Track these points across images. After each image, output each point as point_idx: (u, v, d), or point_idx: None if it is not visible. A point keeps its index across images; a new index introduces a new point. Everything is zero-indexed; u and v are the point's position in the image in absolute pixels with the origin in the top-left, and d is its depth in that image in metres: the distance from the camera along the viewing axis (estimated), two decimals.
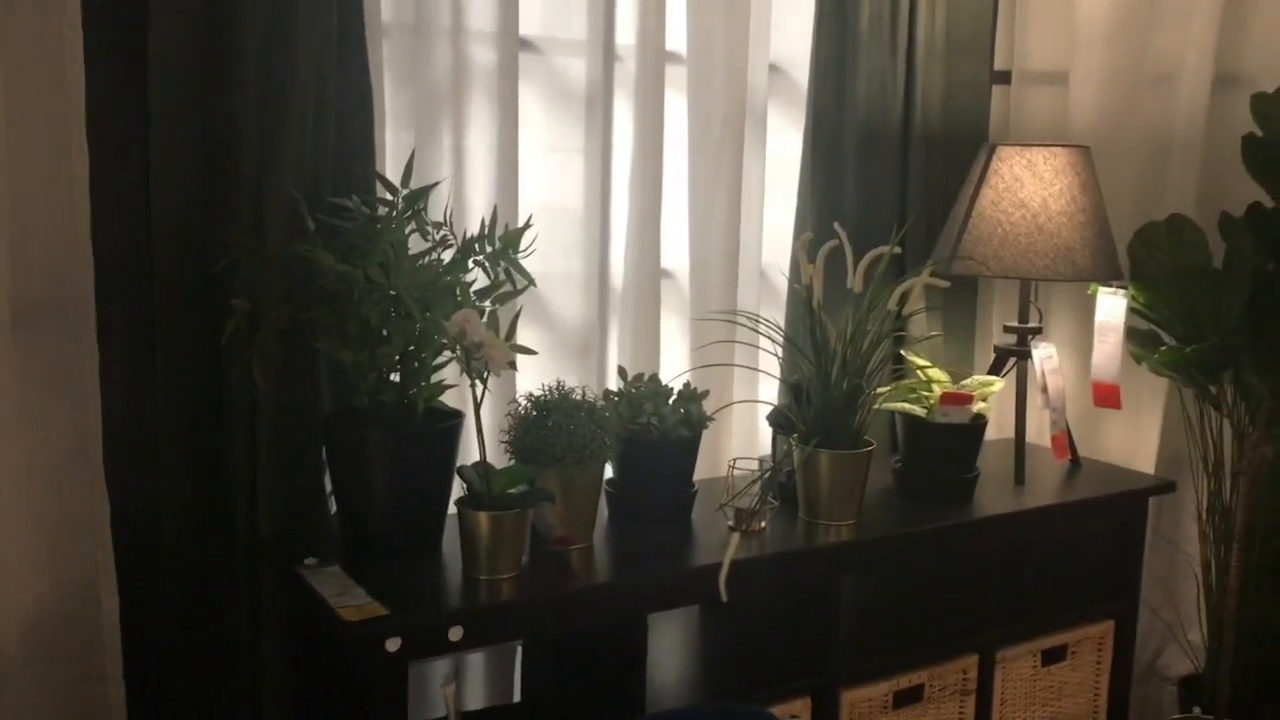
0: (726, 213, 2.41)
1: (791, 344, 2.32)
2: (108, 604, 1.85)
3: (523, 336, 2.04)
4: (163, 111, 1.81)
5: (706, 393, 2.16)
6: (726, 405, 2.38)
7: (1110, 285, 2.52)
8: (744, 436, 2.52)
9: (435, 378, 1.91)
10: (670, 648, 2.22)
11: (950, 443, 2.33)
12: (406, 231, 1.89)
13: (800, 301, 2.34)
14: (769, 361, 2.35)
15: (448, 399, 1.99)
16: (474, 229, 1.96)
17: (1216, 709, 2.66)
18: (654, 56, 2.27)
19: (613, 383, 2.27)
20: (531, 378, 2.15)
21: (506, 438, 1.94)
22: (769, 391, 2.48)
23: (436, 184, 2.00)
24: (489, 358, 1.74)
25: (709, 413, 2.14)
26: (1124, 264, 2.53)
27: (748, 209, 2.45)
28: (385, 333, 1.84)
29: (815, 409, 2.14)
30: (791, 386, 2.27)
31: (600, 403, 2.01)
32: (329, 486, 2.00)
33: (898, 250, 2.20)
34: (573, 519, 1.93)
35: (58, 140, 1.74)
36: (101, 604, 1.84)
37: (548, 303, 2.29)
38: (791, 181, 2.53)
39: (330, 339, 1.86)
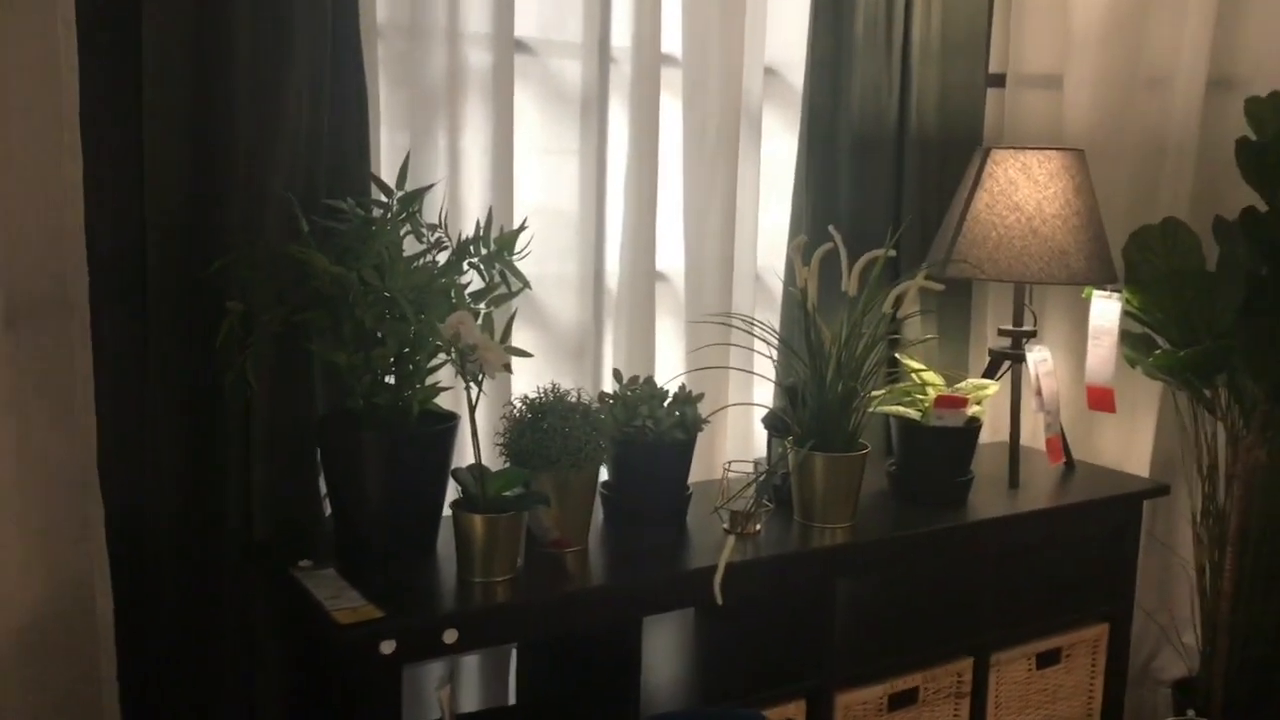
0: (721, 215, 2.41)
1: (786, 347, 2.32)
2: (102, 605, 1.85)
3: (518, 339, 2.04)
4: (157, 112, 1.80)
5: (701, 395, 2.16)
6: (721, 408, 2.38)
7: (1105, 289, 2.52)
8: (739, 439, 2.52)
9: (430, 380, 1.91)
10: (665, 651, 2.22)
11: (945, 446, 2.33)
12: (401, 233, 1.88)
13: (795, 304, 2.34)
14: (764, 364, 2.35)
15: (442, 401, 1.98)
16: (469, 231, 1.96)
17: (1211, 712, 2.66)
18: (649, 59, 2.27)
19: (608, 385, 2.27)
20: (526, 380, 2.15)
21: (501, 440, 1.94)
22: (764, 394, 2.48)
23: (431, 186, 2.00)
24: (484, 360, 1.74)
25: (704, 415, 2.13)
26: (1118, 267, 2.53)
27: (743, 212, 2.45)
28: (380, 335, 1.84)
29: (810, 412, 2.14)
30: (786, 389, 2.27)
31: (595, 405, 2.01)
32: (324, 489, 1.99)
33: (892, 253, 2.20)
34: (568, 522, 1.93)
35: (51, 141, 1.73)
36: (96, 605, 1.84)
37: (543, 305, 2.29)
38: (786, 184, 2.53)
39: (325, 341, 1.86)
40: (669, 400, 2.11)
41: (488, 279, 1.94)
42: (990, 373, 2.53)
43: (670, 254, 2.41)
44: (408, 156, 1.95)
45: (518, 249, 1.94)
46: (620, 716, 1.92)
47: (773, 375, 2.39)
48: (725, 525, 2.08)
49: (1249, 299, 2.46)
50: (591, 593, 1.86)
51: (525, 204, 2.20)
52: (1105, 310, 2.53)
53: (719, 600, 1.89)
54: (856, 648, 2.21)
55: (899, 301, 2.20)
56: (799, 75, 2.50)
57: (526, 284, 1.97)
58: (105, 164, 1.80)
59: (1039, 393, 2.48)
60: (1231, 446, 2.62)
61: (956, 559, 2.35)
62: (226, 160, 1.85)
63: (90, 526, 1.83)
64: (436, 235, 1.93)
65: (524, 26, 2.19)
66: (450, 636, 1.70)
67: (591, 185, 2.28)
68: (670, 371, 2.36)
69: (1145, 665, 2.95)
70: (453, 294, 1.88)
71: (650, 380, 2.16)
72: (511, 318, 1.99)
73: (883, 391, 2.34)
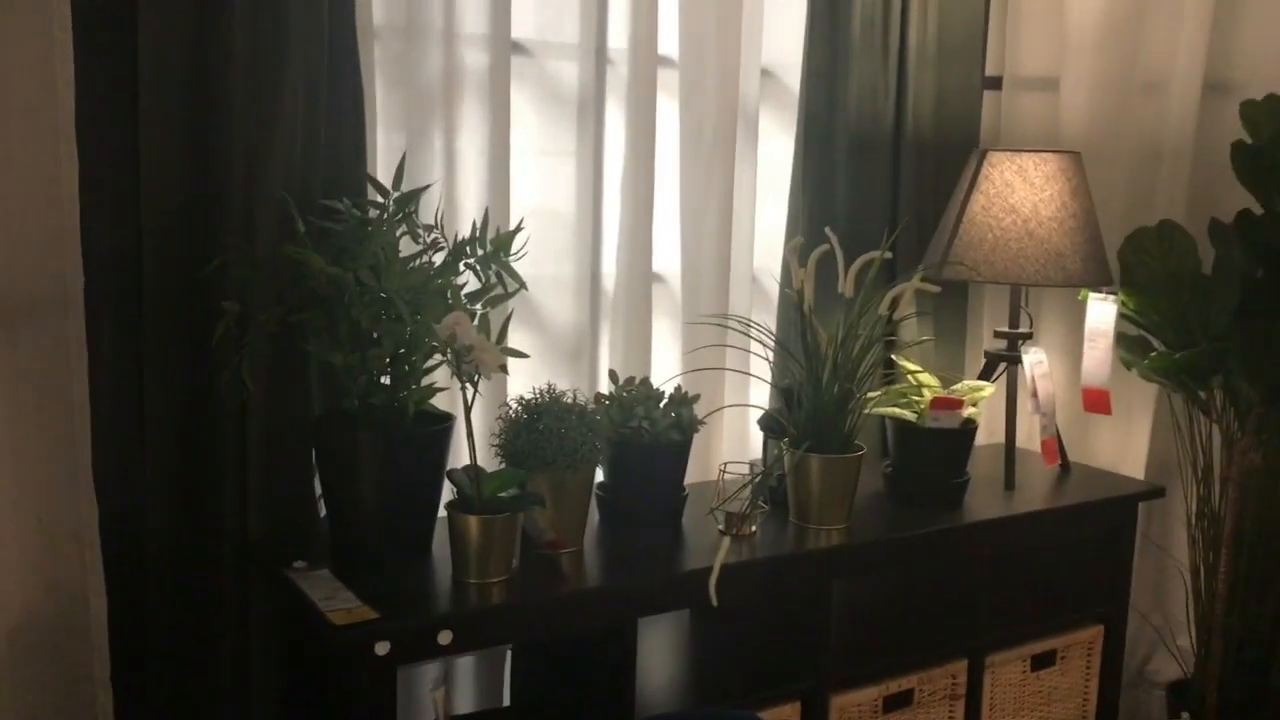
0: (718, 217, 2.41)
1: (782, 348, 2.32)
2: (96, 606, 1.84)
3: (514, 340, 2.04)
4: (153, 112, 1.80)
5: (697, 397, 2.16)
6: (718, 409, 2.38)
7: (1100, 291, 2.53)
8: (735, 440, 2.52)
9: (426, 381, 1.91)
10: (660, 652, 2.22)
11: (940, 447, 2.33)
12: (397, 234, 1.88)
13: (791, 306, 2.35)
14: (760, 366, 2.35)
15: (438, 402, 1.99)
16: (465, 232, 1.96)
17: (1205, 715, 2.67)
18: (646, 60, 2.27)
19: (604, 386, 2.27)
20: (522, 381, 2.15)
21: (497, 441, 1.94)
22: (760, 396, 2.48)
23: (428, 186, 2.00)
24: (480, 361, 1.74)
25: (700, 416, 2.14)
26: (1114, 270, 2.53)
27: (739, 213, 2.45)
28: (376, 335, 1.84)
29: (806, 413, 2.14)
30: (782, 391, 2.27)
31: (591, 406, 2.01)
32: (319, 489, 1.99)
33: (889, 255, 2.20)
34: (563, 523, 1.93)
35: (47, 142, 1.73)
36: (90, 606, 1.84)
37: (539, 306, 2.29)
38: (783, 186, 2.53)
39: (321, 341, 1.86)
40: (665, 401, 2.11)
41: (484, 280, 1.94)
42: (986, 374, 2.53)
43: (667, 255, 2.41)
44: (404, 157, 1.95)
45: (514, 250, 1.94)
46: (615, 718, 1.92)
47: (769, 377, 2.39)
48: (721, 527, 2.08)
49: (1244, 302, 2.47)
50: (587, 594, 1.86)
51: (521, 205, 2.20)
52: (1101, 312, 2.53)
53: (714, 602, 1.89)
54: (852, 649, 2.21)
55: (895, 303, 2.20)
56: (795, 77, 2.50)
57: (523, 285, 1.97)
58: (103, 165, 1.80)
59: (1035, 395, 2.48)
60: (1226, 449, 2.62)
61: (952, 561, 2.35)
62: (223, 162, 1.85)
63: (85, 526, 1.82)
64: (433, 236, 1.93)
65: (521, 28, 2.19)
66: (445, 638, 1.70)
67: (588, 186, 2.28)
68: (666, 373, 2.36)
69: (1140, 667, 2.95)
70: (449, 295, 1.88)
71: (646, 381, 2.16)
72: (508, 319, 1.99)
73: (879, 393, 2.34)
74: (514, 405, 1.95)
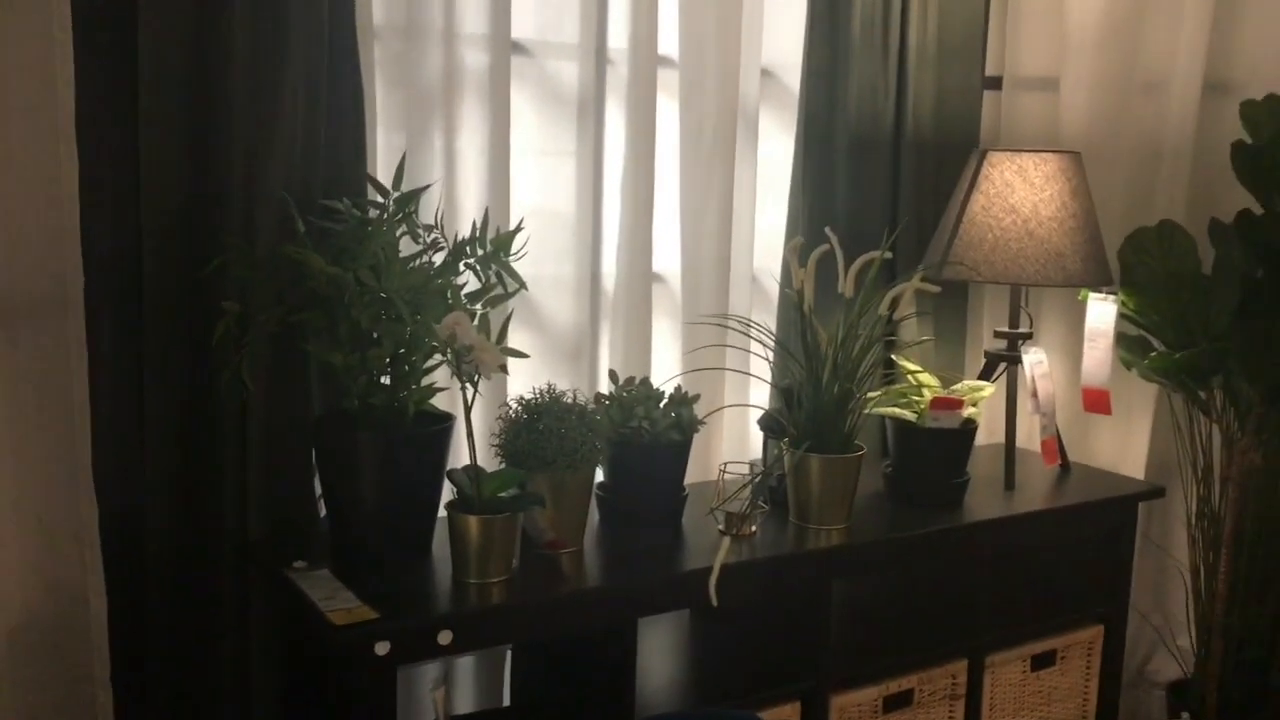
0: (718, 217, 2.41)
1: (782, 348, 2.32)
2: (96, 606, 1.84)
3: (514, 340, 2.04)
4: (153, 112, 1.80)
5: (698, 396, 2.16)
6: (718, 409, 2.38)
7: (1100, 291, 2.53)
8: (735, 440, 2.52)
9: (426, 381, 1.91)
10: (660, 652, 2.22)
11: (940, 447, 2.33)
12: (397, 234, 1.88)
13: (791, 306, 2.35)
14: (760, 366, 2.35)
15: (438, 402, 1.99)
16: (465, 232, 1.96)
17: (1205, 715, 2.67)
18: (646, 60, 2.27)
19: (604, 386, 2.27)
20: (522, 381, 2.15)
21: (497, 441, 1.94)
22: (760, 396, 2.48)
23: (428, 186, 2.00)
24: (480, 361, 1.74)
25: (700, 416, 2.14)
26: (1114, 270, 2.53)
27: (739, 213, 2.45)
28: (376, 335, 1.84)
29: (806, 413, 2.14)
30: (782, 391, 2.27)
31: (591, 406, 2.01)
32: (319, 489, 1.99)
33: (889, 255, 2.20)
34: (563, 523, 1.93)
35: (47, 141, 1.73)
36: (90, 606, 1.84)
37: (539, 306, 2.29)
38: (783, 186, 2.53)
39: (321, 341, 1.86)
40: (665, 401, 2.11)
41: (484, 280, 1.94)
42: (986, 374, 2.53)
43: (667, 255, 2.41)
44: (404, 157, 1.95)
45: (514, 250, 1.94)
46: (615, 718, 1.92)
47: (769, 377, 2.39)
48: (721, 527, 2.08)
49: (1244, 301, 2.47)
50: (587, 594, 1.86)
51: (522, 205, 2.20)
52: (1101, 312, 2.53)
53: (714, 602, 1.89)
54: (852, 649, 2.21)
55: (895, 303, 2.20)
56: (795, 77, 2.50)
57: (523, 285, 1.97)
58: (103, 164, 1.80)
59: (1035, 395, 2.48)
60: (1226, 449, 2.62)
61: (952, 561, 2.35)
62: (223, 162, 1.85)
63: (85, 526, 1.82)
64: (433, 236, 1.93)
65: (521, 28, 2.19)
66: (445, 638, 1.70)
67: (588, 186, 2.28)
68: (666, 373, 2.36)
69: (1140, 667, 2.95)
70: (449, 295, 1.88)
71: (646, 381, 2.16)
72: (508, 319, 1.99)
73: (879, 393, 2.34)
74: (514, 405, 1.95)
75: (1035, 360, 2.49)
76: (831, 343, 2.12)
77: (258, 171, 1.87)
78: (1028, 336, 2.53)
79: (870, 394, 2.24)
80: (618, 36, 2.28)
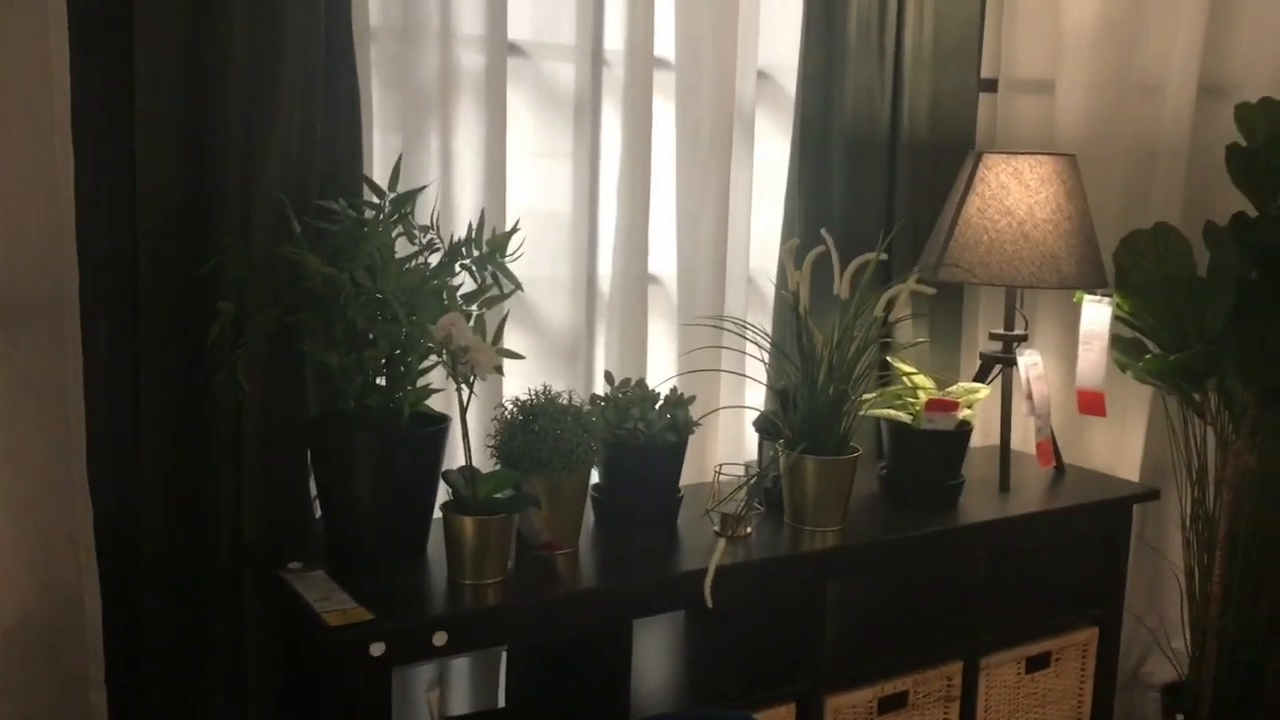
0: (714, 218, 2.42)
1: (778, 350, 2.32)
2: (91, 607, 1.84)
3: (509, 341, 2.04)
4: (149, 112, 1.80)
5: (693, 398, 2.16)
6: (713, 411, 2.38)
7: (1095, 293, 2.53)
8: (730, 442, 2.52)
9: (421, 382, 1.90)
10: (655, 653, 2.22)
11: (935, 449, 2.33)
12: (393, 235, 1.88)
13: (787, 307, 2.35)
14: (755, 367, 2.36)
15: (434, 403, 1.98)
16: (461, 233, 1.96)
17: (1199, 717, 2.67)
18: (642, 62, 2.27)
19: (599, 387, 2.27)
20: (518, 382, 2.15)
21: (492, 442, 1.94)
22: (755, 397, 2.48)
23: (424, 187, 1.99)
24: (475, 362, 1.74)
25: (695, 418, 2.14)
26: (1109, 272, 2.54)
27: (735, 215, 2.45)
28: (371, 336, 1.84)
29: (801, 415, 2.15)
30: (778, 392, 2.27)
31: (587, 407, 2.01)
32: (314, 490, 1.99)
33: (884, 257, 2.21)
34: (559, 524, 1.93)
35: (43, 142, 1.73)
36: (85, 607, 1.84)
37: (535, 307, 2.29)
38: (779, 187, 2.53)
39: (316, 342, 1.86)
40: (660, 403, 2.11)
41: (480, 281, 1.94)
42: (981, 376, 2.53)
43: (663, 257, 2.41)
44: (400, 158, 1.95)
45: (510, 251, 1.94)
46: (611, 719, 1.92)
47: (764, 378, 2.39)
48: (716, 528, 2.08)
49: (1239, 304, 2.47)
50: (582, 595, 1.86)
51: (518, 206, 2.20)
52: (1096, 315, 2.53)
53: (709, 603, 1.89)
54: (847, 651, 2.21)
55: (890, 305, 2.20)
56: (792, 79, 2.50)
57: (518, 286, 1.97)
58: (99, 164, 1.79)
59: (1030, 397, 2.49)
60: (1221, 451, 2.63)
61: (947, 563, 2.35)
62: (219, 162, 1.85)
63: (80, 527, 1.82)
64: (429, 237, 1.93)
65: (517, 29, 2.19)
66: (440, 639, 1.69)
67: (584, 188, 2.28)
68: (662, 374, 2.36)
69: (1135, 669, 2.96)
70: (444, 296, 1.88)
71: (642, 383, 2.16)
72: (503, 320, 1.99)
73: (874, 395, 2.34)
74: (509, 406, 1.95)
75: (1030, 362, 2.49)
76: (827, 344, 2.12)
77: (254, 172, 1.87)
78: (1023, 339, 2.53)
79: (865, 396, 2.24)
80: (614, 38, 2.28)
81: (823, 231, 2.20)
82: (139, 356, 1.85)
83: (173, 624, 1.90)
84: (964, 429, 2.35)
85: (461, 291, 1.92)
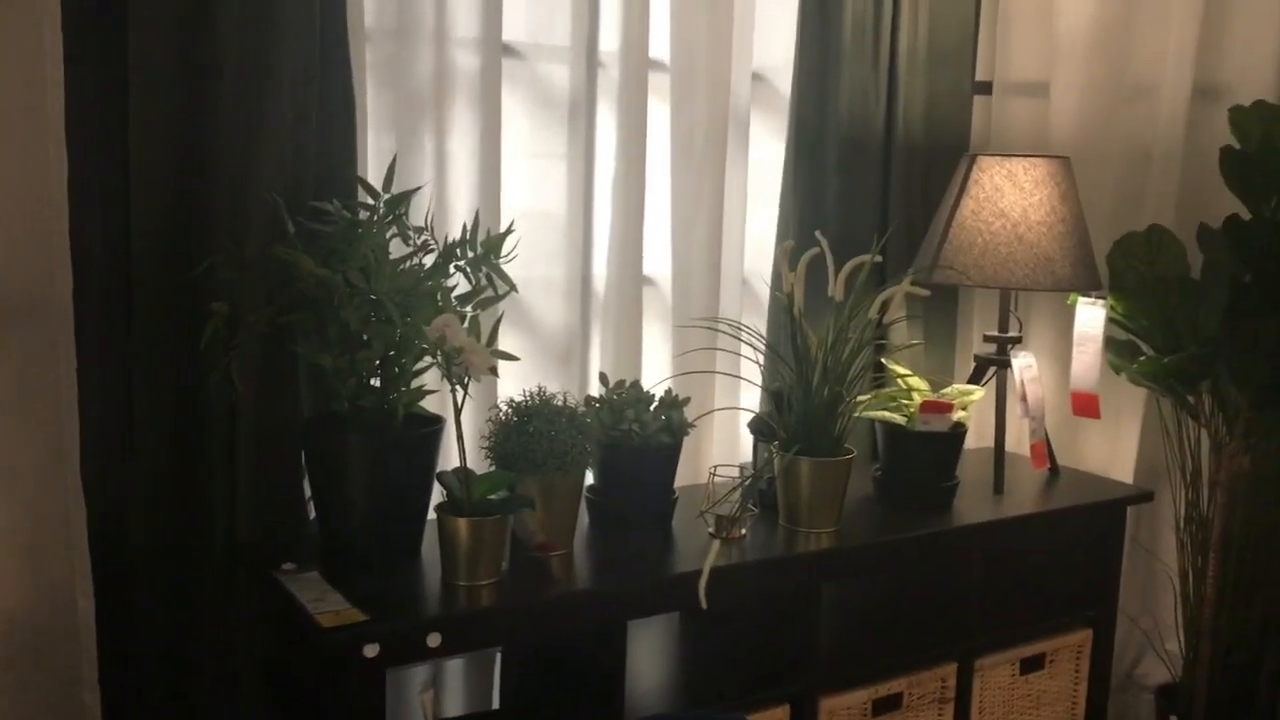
0: (709, 220, 2.42)
1: (773, 351, 2.32)
2: (84, 608, 1.84)
3: (504, 342, 2.04)
4: (142, 114, 1.80)
5: (688, 399, 2.16)
6: (708, 412, 2.38)
7: (1089, 295, 2.53)
8: (725, 443, 2.52)
9: (416, 383, 1.90)
10: (650, 655, 2.21)
11: (930, 451, 2.34)
12: (388, 236, 1.88)
13: (782, 309, 2.35)
14: (750, 369, 2.36)
15: (428, 404, 1.98)
16: (455, 234, 1.96)
17: (1193, 718, 2.67)
18: (637, 63, 2.28)
19: (594, 389, 2.27)
20: (513, 384, 2.15)
21: (487, 443, 1.94)
22: (750, 399, 2.48)
23: (418, 189, 2.00)
24: (470, 363, 1.74)
25: (690, 419, 2.14)
26: (1103, 274, 2.54)
27: (730, 216, 2.45)
28: (365, 337, 1.84)
29: (796, 416, 2.15)
30: (772, 394, 2.27)
31: (581, 409, 2.01)
32: (308, 491, 1.99)
33: (879, 259, 2.21)
34: (553, 525, 1.93)
35: (37, 142, 1.73)
36: (78, 608, 1.83)
37: (529, 308, 2.29)
38: (774, 189, 2.54)
39: (310, 343, 1.85)
40: (655, 404, 2.11)
41: (474, 282, 1.94)
42: (976, 378, 2.53)
43: (657, 258, 2.41)
44: (394, 159, 1.95)
45: (504, 252, 1.94)
46: None
47: (759, 380, 2.39)
48: (711, 530, 2.08)
49: (1233, 306, 2.47)
50: (576, 597, 1.86)
51: (512, 207, 2.20)
52: (1090, 317, 2.54)
53: (704, 605, 1.89)
54: (841, 653, 2.22)
55: (885, 307, 2.20)
56: (787, 81, 2.50)
57: (513, 287, 1.97)
58: (90, 166, 1.79)
59: (1024, 398, 2.49)
60: (1215, 453, 2.63)
61: (941, 564, 2.35)
62: (212, 162, 1.85)
63: (72, 528, 1.82)
64: (423, 238, 1.93)
65: (512, 30, 2.19)
66: (434, 640, 1.69)
67: (579, 189, 2.28)
68: (657, 376, 2.36)
69: (1129, 671, 2.96)
70: (439, 297, 1.88)
71: (637, 384, 2.16)
72: (498, 321, 1.99)
73: (868, 396, 2.35)
74: (504, 408, 1.95)
75: (1024, 364, 2.50)
76: (821, 346, 2.13)
77: (248, 173, 1.87)
78: (1017, 341, 2.53)
79: (860, 397, 2.24)
80: (609, 40, 2.28)
81: (817, 233, 2.21)
82: (133, 358, 1.85)
83: (167, 625, 1.90)
84: (958, 431, 2.35)
85: (456, 293, 1.92)
